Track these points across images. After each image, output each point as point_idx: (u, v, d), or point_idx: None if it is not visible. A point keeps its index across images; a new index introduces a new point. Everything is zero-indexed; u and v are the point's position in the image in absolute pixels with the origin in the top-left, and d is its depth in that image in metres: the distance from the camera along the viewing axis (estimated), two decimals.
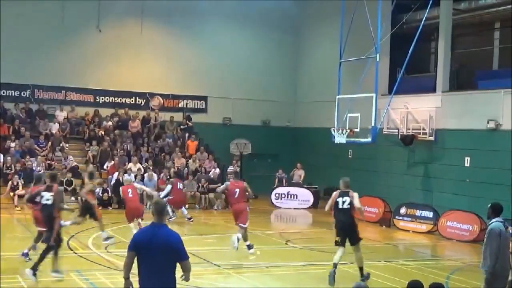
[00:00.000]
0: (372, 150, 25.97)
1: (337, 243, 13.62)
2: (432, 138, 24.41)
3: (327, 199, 27.91)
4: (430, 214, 22.29)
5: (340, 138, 21.39)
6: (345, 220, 13.60)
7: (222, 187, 17.99)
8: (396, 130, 25.79)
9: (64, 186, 25.05)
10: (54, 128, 28.21)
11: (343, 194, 13.82)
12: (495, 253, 9.75)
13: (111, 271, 13.77)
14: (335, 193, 13.94)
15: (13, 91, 28.87)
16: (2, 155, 25.34)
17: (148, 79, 31.05)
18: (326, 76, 29.03)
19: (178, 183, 21.95)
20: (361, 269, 13.61)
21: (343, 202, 13.70)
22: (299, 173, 28.50)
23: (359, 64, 22.19)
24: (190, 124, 31.14)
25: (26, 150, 26.39)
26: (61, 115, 28.87)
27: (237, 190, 16.23)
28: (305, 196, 28.16)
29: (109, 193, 25.34)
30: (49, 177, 14.19)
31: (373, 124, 19.94)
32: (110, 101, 30.84)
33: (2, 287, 12.06)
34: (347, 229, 13.62)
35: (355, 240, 13.59)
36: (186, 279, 7.62)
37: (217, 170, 28.03)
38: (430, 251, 19.68)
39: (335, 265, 13.33)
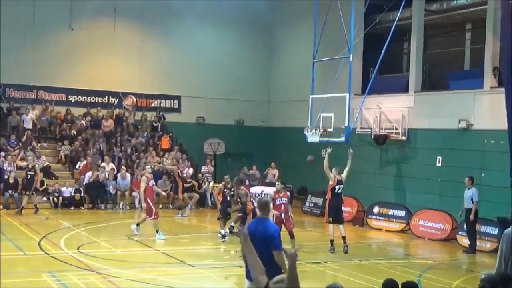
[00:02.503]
0: (346, 149, 26.01)
1: (330, 222, 17.48)
2: (404, 138, 24.58)
3: (301, 198, 28.18)
4: (402, 213, 22.48)
5: (313, 138, 21.40)
6: (339, 203, 17.82)
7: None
8: (369, 130, 25.94)
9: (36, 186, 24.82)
10: (27, 123, 27.86)
11: (339, 182, 17.73)
12: (504, 257, 9.51)
13: (83, 272, 13.67)
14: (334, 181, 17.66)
15: None
16: None
17: (121, 78, 30.84)
18: (300, 75, 29.07)
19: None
20: (344, 238, 17.23)
21: (340, 188, 17.82)
22: (273, 172, 28.47)
23: (332, 64, 22.24)
24: (160, 123, 30.99)
25: None
26: (32, 114, 28.51)
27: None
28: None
29: (82, 193, 25.16)
30: None
31: (346, 124, 19.99)
32: (83, 100, 30.57)
33: None
34: (340, 211, 17.85)
35: (342, 219, 18.02)
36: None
37: (191, 170, 27.94)
38: (402, 249, 19.84)
39: (332, 242, 17.18)
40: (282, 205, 16.15)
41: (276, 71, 33.80)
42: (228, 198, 18.66)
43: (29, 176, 23.43)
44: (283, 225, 15.74)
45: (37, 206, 23.20)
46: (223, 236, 17.95)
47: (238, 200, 17.66)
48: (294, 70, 31.19)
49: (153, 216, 18.15)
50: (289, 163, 29.79)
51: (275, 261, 8.26)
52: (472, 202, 18.34)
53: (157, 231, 18.22)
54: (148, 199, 18.36)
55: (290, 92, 31.24)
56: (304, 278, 13.41)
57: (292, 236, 15.89)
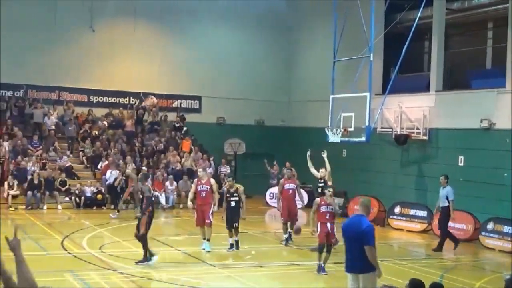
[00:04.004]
0: (366, 149, 25.97)
1: None
2: (426, 138, 24.44)
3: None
4: (424, 213, 22.34)
5: (334, 138, 21.38)
6: None
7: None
8: (390, 130, 25.82)
9: (58, 186, 25.06)
10: (49, 123, 28.11)
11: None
12: None
13: (105, 271, 13.76)
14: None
15: (6, 91, 28.80)
16: None
17: (142, 78, 31.02)
18: (320, 75, 29.00)
19: None
20: None
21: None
22: (288, 172, 28.28)
23: (352, 64, 22.19)
24: (183, 125, 31.10)
25: (20, 150, 26.30)
26: (54, 114, 28.75)
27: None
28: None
29: (104, 193, 25.31)
30: None
31: (367, 124, 19.94)
32: (104, 100, 30.82)
33: None
34: None
35: None
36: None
37: (211, 170, 27.99)
38: (424, 250, 19.71)
39: None
40: (328, 214, 14.38)
41: (297, 70, 33.76)
42: (233, 204, 16.39)
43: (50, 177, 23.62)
44: (325, 238, 14.21)
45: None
46: (236, 242, 16.58)
47: (141, 196, 15.56)
48: (315, 70, 31.12)
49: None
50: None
51: (366, 256, 8.97)
52: (448, 201, 18.35)
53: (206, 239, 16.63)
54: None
55: (311, 92, 31.18)
56: (326, 281, 13.48)
57: (329, 250, 14.33)
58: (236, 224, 16.29)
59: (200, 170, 17.31)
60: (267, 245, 18.32)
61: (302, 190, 28.13)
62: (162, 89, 31.37)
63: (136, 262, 14.41)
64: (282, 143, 32.49)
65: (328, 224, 14.25)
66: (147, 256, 14.46)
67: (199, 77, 32.11)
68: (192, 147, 29.72)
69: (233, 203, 16.32)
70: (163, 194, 26.02)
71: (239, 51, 33.01)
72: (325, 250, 14.22)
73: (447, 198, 18.39)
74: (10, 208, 23.19)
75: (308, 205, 27.49)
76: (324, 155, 17.95)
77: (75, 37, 29.92)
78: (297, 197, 18.58)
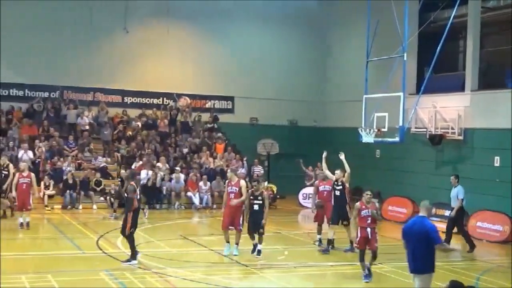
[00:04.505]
0: (400, 149, 25.77)
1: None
2: (461, 138, 24.15)
3: (355, 199, 27.89)
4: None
5: (367, 138, 21.27)
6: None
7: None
8: (424, 130, 25.57)
9: (93, 186, 25.34)
10: (84, 124, 28.46)
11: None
12: None
13: (139, 271, 13.88)
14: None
15: (42, 92, 29.25)
16: (31, 153, 25.61)
17: (175, 79, 31.22)
18: (353, 75, 28.85)
19: None
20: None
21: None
22: (320, 173, 28.19)
23: (386, 63, 22.03)
24: (216, 126, 31.24)
25: (56, 150, 26.67)
26: (89, 115, 29.11)
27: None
28: None
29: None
30: None
31: (400, 124, 19.78)
32: (138, 101, 31.10)
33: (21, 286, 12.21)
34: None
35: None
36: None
37: (244, 170, 28.06)
38: (459, 251, 19.46)
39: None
40: (369, 218, 13.77)
41: (330, 71, 33.64)
42: (256, 208, 15.59)
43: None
44: (365, 243, 13.69)
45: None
46: (257, 251, 15.81)
47: (126, 195, 15.21)
48: (348, 70, 30.99)
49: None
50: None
51: (427, 255, 9.57)
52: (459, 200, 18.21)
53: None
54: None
55: (344, 92, 31.04)
56: (359, 281, 13.38)
57: (375, 256, 13.81)
58: (261, 230, 15.63)
59: (229, 171, 17.05)
60: (300, 246, 18.28)
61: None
62: (195, 89, 31.52)
63: (123, 262, 14.46)
64: (315, 143, 32.31)
65: (369, 229, 13.66)
66: (135, 255, 14.53)
67: (232, 77, 32.20)
68: (225, 148, 29.80)
69: (256, 207, 15.59)
70: (196, 195, 26.14)
71: (272, 51, 33.03)
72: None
73: (457, 197, 18.20)
74: (47, 208, 23.52)
75: None
76: (342, 156, 17.49)
77: (109, 39, 30.24)
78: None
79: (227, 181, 16.63)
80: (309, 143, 32.03)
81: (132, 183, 14.77)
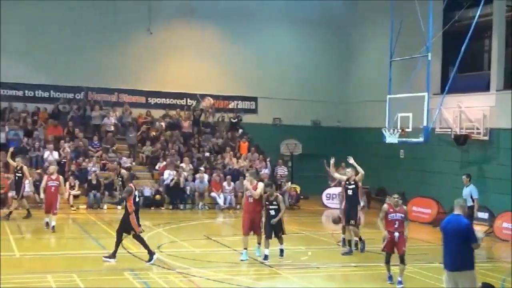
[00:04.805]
0: (425, 150, 25.62)
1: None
2: (486, 138, 23.93)
3: (379, 199, 27.72)
4: (485, 216, 21.88)
5: (391, 138, 21.18)
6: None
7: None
8: (449, 130, 25.38)
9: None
10: (108, 125, 28.70)
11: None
12: None
13: (163, 270, 13.95)
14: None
15: (67, 93, 29.53)
16: (56, 153, 25.86)
17: (199, 80, 31.32)
18: (377, 75, 28.76)
19: None
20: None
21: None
22: (343, 173, 28.10)
23: (410, 63, 21.92)
24: (239, 121, 31.30)
25: (81, 151, 26.90)
26: (113, 116, 29.32)
27: None
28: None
29: (161, 193, 25.64)
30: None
31: (425, 124, 19.68)
32: (162, 102, 31.26)
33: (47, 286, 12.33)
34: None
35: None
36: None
37: (267, 170, 28.09)
38: (485, 253, 19.26)
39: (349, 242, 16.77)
40: (397, 222, 13.32)
41: (353, 71, 33.54)
42: (272, 213, 15.24)
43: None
44: (394, 247, 13.28)
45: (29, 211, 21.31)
46: (280, 250, 15.69)
47: (124, 196, 15.20)
48: (371, 70, 30.89)
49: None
50: (366, 164, 29.40)
51: (465, 253, 9.63)
52: (472, 200, 17.93)
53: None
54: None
55: (367, 92, 30.93)
56: (382, 282, 13.31)
57: (402, 261, 13.25)
58: (280, 234, 15.40)
59: (247, 174, 16.53)
60: (323, 246, 18.25)
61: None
62: (219, 90, 31.60)
63: (147, 262, 14.53)
64: (338, 144, 32.25)
65: (396, 233, 13.19)
66: (115, 253, 14.59)
67: (255, 78, 32.25)
68: (248, 148, 29.84)
69: (272, 212, 15.24)
70: (220, 195, 26.20)
71: (295, 51, 33.02)
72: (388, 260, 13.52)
73: (471, 198, 18.00)
74: (72, 208, 23.72)
75: (366, 207, 27.34)
76: (351, 161, 17.12)
77: (133, 40, 30.45)
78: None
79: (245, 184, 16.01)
80: (332, 144, 31.90)
81: (131, 184, 14.77)
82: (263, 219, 15.36)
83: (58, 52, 28.62)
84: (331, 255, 16.82)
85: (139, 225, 14.67)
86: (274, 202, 15.25)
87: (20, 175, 20.81)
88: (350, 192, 16.73)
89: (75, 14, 28.91)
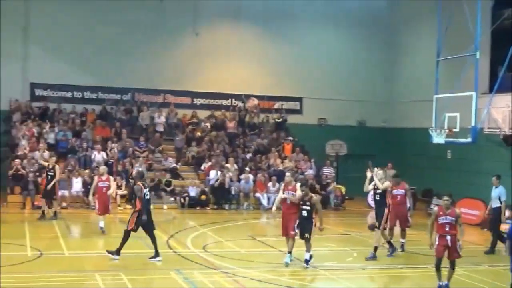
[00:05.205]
0: (473, 150, 25.22)
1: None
2: None
3: (425, 201, 27.38)
4: None
5: (438, 139, 20.94)
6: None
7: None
8: (498, 130, 24.91)
9: (163, 186, 25.73)
10: (157, 125, 29.04)
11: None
12: None
13: (208, 270, 14.02)
14: None
15: (114, 94, 29.98)
16: (104, 154, 26.24)
17: (244, 80, 31.44)
18: (423, 75, 28.45)
19: None
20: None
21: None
22: (390, 173, 27.84)
23: (457, 62, 21.63)
24: (284, 120, 31.33)
25: (127, 151, 27.24)
26: (161, 116, 29.64)
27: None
28: None
29: (207, 193, 25.79)
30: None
31: (473, 124, 19.41)
32: (207, 103, 31.48)
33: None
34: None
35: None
36: None
37: (312, 171, 28.01)
38: None
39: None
40: (447, 225, 12.55)
41: (399, 70, 33.23)
42: (305, 214, 14.50)
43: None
44: (446, 251, 12.57)
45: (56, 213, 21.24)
46: (305, 260, 14.69)
47: (134, 195, 15.13)
48: (417, 69, 30.56)
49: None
50: (412, 164, 29.23)
51: None
52: (500, 202, 17.55)
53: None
54: None
55: (413, 92, 30.61)
56: (432, 283, 13.14)
57: (453, 266, 12.74)
58: (307, 235, 14.43)
59: (288, 174, 15.69)
60: (369, 248, 18.09)
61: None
62: (264, 90, 31.66)
63: (149, 258, 14.65)
64: (383, 144, 32.05)
65: (448, 237, 12.47)
66: (119, 251, 14.57)
67: (300, 78, 32.22)
68: (293, 148, 29.80)
69: (304, 213, 14.44)
70: (265, 195, 26.23)
71: (340, 51, 32.88)
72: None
73: (499, 199, 17.60)
74: (119, 208, 24.04)
75: (412, 208, 27.00)
76: (370, 174, 16.45)
77: (179, 41, 30.75)
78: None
79: (283, 184, 15.42)
80: (378, 144, 31.72)
81: (139, 183, 14.74)
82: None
83: (105, 54, 29.11)
84: (377, 256, 16.66)
85: (137, 227, 14.62)
86: (308, 203, 14.50)
87: (52, 174, 20.79)
88: (378, 197, 16.27)
89: (122, 16, 29.34)
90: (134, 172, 18.91)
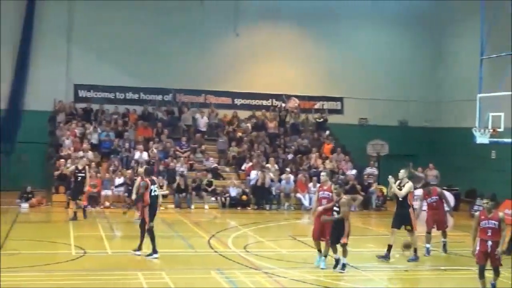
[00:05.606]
0: None
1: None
2: None
3: (469, 201, 26.94)
4: None
5: (482, 139, 20.63)
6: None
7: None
8: None
9: (205, 187, 25.86)
10: (199, 126, 29.23)
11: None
12: None
13: (249, 270, 14.04)
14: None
15: (156, 95, 30.27)
16: (146, 154, 26.49)
17: (284, 80, 31.43)
18: (467, 74, 28.06)
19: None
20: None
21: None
22: (433, 174, 27.53)
23: (502, 61, 21.30)
24: (323, 119, 31.21)
25: (169, 151, 27.46)
26: (202, 118, 29.82)
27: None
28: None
29: (248, 194, 25.84)
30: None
31: None
32: (248, 103, 31.56)
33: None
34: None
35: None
36: None
37: (354, 171, 27.84)
38: None
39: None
40: (489, 230, 11.75)
41: (441, 70, 32.83)
42: (337, 216, 13.77)
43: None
44: (484, 257, 11.85)
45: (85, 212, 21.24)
46: (342, 265, 14.06)
47: (138, 191, 15.28)
48: (461, 69, 30.16)
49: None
50: (456, 165, 28.85)
51: None
52: None
53: None
54: None
55: (457, 91, 30.23)
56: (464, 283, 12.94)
57: (496, 273, 12.12)
58: (341, 241, 13.72)
59: (323, 174, 15.04)
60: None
61: (447, 193, 27.25)
62: (304, 90, 31.63)
63: (146, 256, 14.75)
64: (426, 144, 31.70)
65: (489, 243, 11.69)
66: (155, 249, 14.70)
67: (341, 78, 32.09)
68: (334, 148, 29.66)
69: (336, 215, 13.74)
70: (306, 196, 26.17)
71: (381, 51, 32.63)
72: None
73: None
74: (161, 207, 24.21)
75: (455, 209, 26.62)
76: (392, 180, 15.77)
77: (220, 42, 30.90)
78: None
79: (318, 185, 14.85)
80: (420, 144, 31.41)
81: (146, 179, 14.99)
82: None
83: (147, 55, 29.44)
84: (420, 257, 16.48)
85: (152, 220, 14.82)
86: (337, 204, 13.83)
87: (83, 175, 20.83)
88: (401, 198, 15.81)
89: (163, 17, 29.64)
90: (140, 172, 19.09)
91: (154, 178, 15.71)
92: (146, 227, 14.84)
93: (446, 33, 32.41)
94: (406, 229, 15.78)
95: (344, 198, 13.87)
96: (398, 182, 15.70)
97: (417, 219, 16.44)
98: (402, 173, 15.88)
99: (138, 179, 19.27)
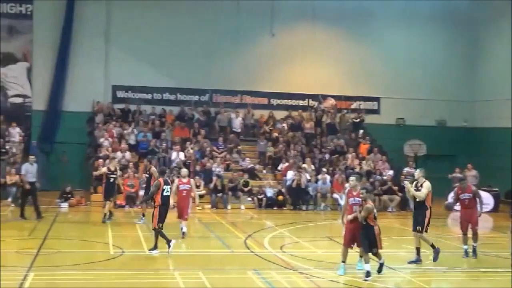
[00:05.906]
0: None
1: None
2: None
3: (508, 202, 26.53)
4: None
5: None
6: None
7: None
8: None
9: (241, 187, 25.93)
10: (235, 126, 29.34)
11: None
12: None
13: (285, 271, 14.05)
14: None
15: (192, 96, 30.47)
16: (183, 154, 26.67)
17: (320, 80, 31.39)
18: (506, 73, 27.65)
19: None
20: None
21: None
22: (472, 174, 27.18)
23: None
24: (360, 119, 31.05)
25: (205, 152, 27.61)
26: (237, 118, 29.91)
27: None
28: (485, 199, 26.72)
29: (284, 194, 25.83)
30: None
31: None
32: (284, 103, 31.57)
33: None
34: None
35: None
36: None
37: (391, 172, 27.63)
38: None
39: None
40: None
41: (480, 69, 32.41)
42: (364, 222, 13.33)
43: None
44: None
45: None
46: (380, 265, 13.75)
47: (153, 190, 15.17)
48: (500, 68, 29.78)
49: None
50: (495, 165, 28.43)
51: None
52: None
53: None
54: None
55: (496, 91, 29.84)
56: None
57: None
58: (374, 250, 13.34)
59: (352, 179, 14.17)
60: (450, 250, 17.72)
61: (484, 194, 26.86)
62: (341, 90, 31.54)
63: (150, 250, 15.02)
64: (464, 144, 31.32)
65: None
66: (168, 244, 14.93)
67: (377, 78, 31.92)
68: (371, 148, 29.48)
69: (363, 220, 13.28)
70: (342, 196, 25.97)
71: (418, 50, 32.36)
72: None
73: None
74: (198, 207, 24.38)
75: (494, 210, 26.27)
76: (408, 185, 15.56)
77: (256, 42, 31.00)
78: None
79: (347, 190, 14.17)
80: (458, 144, 31.07)
81: (160, 179, 15.18)
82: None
83: (183, 56, 29.71)
84: (458, 259, 16.30)
85: (161, 221, 15.01)
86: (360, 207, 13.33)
87: (115, 176, 20.77)
88: (417, 199, 15.33)
89: (199, 18, 29.85)
90: (153, 171, 19.18)
91: (167, 178, 15.90)
92: (152, 226, 15.05)
93: (484, 31, 31.99)
94: (416, 230, 15.26)
95: (370, 204, 13.33)
96: (415, 182, 15.35)
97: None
98: (418, 172, 15.56)
99: (176, 180, 19.38)
